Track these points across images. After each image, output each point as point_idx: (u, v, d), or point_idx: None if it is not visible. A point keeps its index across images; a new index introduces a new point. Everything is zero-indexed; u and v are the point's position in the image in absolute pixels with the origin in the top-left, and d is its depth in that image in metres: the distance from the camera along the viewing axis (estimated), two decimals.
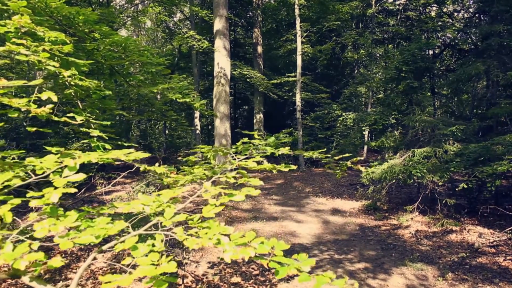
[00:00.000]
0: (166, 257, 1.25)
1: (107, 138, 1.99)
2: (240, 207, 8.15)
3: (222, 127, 12.57)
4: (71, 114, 1.95)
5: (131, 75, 4.90)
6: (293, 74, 15.24)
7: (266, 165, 2.19)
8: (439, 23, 17.32)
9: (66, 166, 1.41)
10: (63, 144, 15.07)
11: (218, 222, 1.55)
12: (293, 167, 2.44)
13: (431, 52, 16.02)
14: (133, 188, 10.59)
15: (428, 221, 6.58)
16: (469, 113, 11.28)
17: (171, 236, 1.44)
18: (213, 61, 12.89)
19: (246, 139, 2.69)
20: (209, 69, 20.42)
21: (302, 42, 14.69)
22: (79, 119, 1.89)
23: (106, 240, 1.88)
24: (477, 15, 12.12)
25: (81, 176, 1.40)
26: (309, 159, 14.33)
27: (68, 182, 1.44)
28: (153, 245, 1.34)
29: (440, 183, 6.38)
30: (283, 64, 19.73)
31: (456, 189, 5.79)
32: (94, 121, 2.08)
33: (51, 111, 1.68)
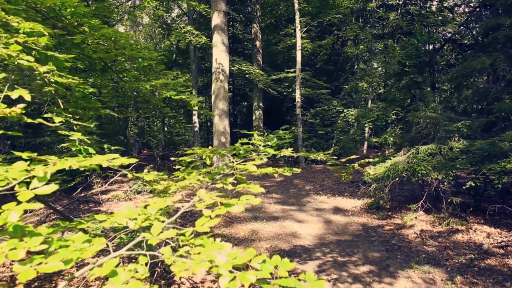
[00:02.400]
0: (151, 285, 1.06)
1: (89, 141, 1.78)
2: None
3: (221, 124, 12.35)
4: (49, 115, 1.74)
5: (124, 71, 4.68)
6: (293, 69, 15.01)
7: (268, 169, 1.98)
8: (439, 17, 17.08)
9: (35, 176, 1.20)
10: (60, 143, 14.87)
11: (214, 238, 1.35)
12: (297, 170, 2.25)
13: (431, 47, 15.81)
14: (130, 187, 10.40)
15: (433, 220, 6.40)
16: (470, 109, 11.10)
17: (157, 257, 1.24)
18: (211, 57, 12.65)
19: (245, 140, 2.48)
20: (207, 65, 20.16)
21: (302, 37, 14.45)
22: (58, 120, 1.69)
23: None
24: (478, 9, 11.89)
25: (52, 188, 1.19)
26: None
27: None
28: (136, 271, 1.14)
29: (445, 181, 6.19)
30: (283, 60, 19.48)
31: (464, 187, 5.60)
32: (76, 122, 1.87)
33: (23, 111, 1.47)
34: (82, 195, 9.31)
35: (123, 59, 3.72)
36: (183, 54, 19.44)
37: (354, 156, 2.54)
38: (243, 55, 19.78)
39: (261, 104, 16.86)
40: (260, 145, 2.33)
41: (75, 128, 1.93)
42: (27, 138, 10.59)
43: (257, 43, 16.96)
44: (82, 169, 1.67)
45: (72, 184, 9.53)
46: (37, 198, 5.56)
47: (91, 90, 2.15)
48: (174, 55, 19.55)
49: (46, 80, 1.98)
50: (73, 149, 1.76)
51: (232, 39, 20.24)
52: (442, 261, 4.61)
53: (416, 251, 5.06)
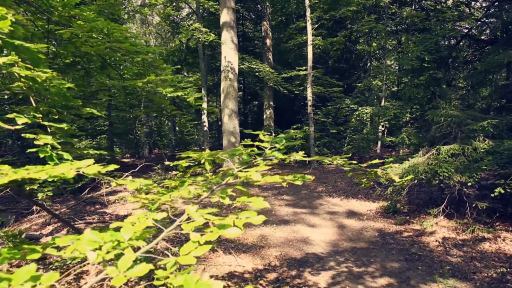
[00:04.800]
0: None
1: (59, 146, 1.49)
2: (249, 210, 7.63)
3: (230, 123, 12.06)
4: (14, 115, 1.46)
5: (125, 68, 4.41)
6: (304, 67, 14.62)
7: (274, 177, 1.65)
8: (456, 12, 16.39)
9: None
10: (68, 144, 14.81)
11: (218, 246, 1.03)
12: (310, 178, 1.91)
13: (446, 43, 15.18)
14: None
15: (455, 226, 5.96)
16: (486, 107, 10.54)
17: None
18: (221, 56, 12.37)
19: (248, 141, 2.16)
20: (217, 64, 19.89)
21: (313, 35, 14.04)
22: (21, 121, 1.40)
23: None
24: (496, 3, 11.28)
25: None
26: (322, 155, 13.72)
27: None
28: None
29: (469, 184, 5.74)
30: (294, 59, 19.08)
31: (492, 195, 5.15)
32: (49, 123, 1.58)
33: None
34: (89, 196, 9.15)
35: (120, 54, 3.44)
36: (193, 53, 19.24)
37: (376, 161, 2.19)
38: (254, 54, 19.46)
39: (271, 103, 16.52)
40: (266, 147, 2.00)
41: (49, 130, 1.64)
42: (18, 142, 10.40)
43: (268, 41, 16.62)
44: (50, 179, 1.38)
45: (79, 185, 9.39)
46: (35, 203, 5.36)
47: (68, 85, 1.86)
48: (184, 54, 19.36)
49: (16, 74, 1.70)
50: (41, 155, 1.47)
51: (242, 38, 19.94)
52: (469, 274, 4.20)
53: (439, 261, 4.65)
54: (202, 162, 2.12)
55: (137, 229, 1.20)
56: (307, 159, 1.99)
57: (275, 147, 2.02)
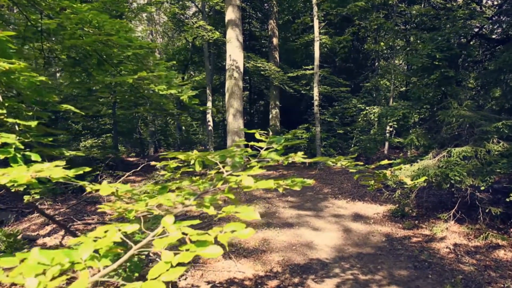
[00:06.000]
0: None
1: (22, 146, 1.31)
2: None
3: (235, 123, 11.87)
4: None
5: (121, 65, 4.23)
6: (310, 66, 14.37)
7: (268, 183, 1.45)
8: (466, 11, 15.96)
9: None
10: (73, 142, 14.76)
11: (199, 277, 0.83)
12: (310, 182, 1.71)
13: (456, 41, 14.79)
14: (140, 187, 10.01)
15: (467, 232, 5.69)
16: (497, 108, 10.20)
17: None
18: (226, 54, 12.19)
19: (241, 140, 1.96)
20: (224, 64, 19.73)
21: (320, 33, 13.79)
22: None
23: None
24: (508, 0, 10.90)
25: None
26: (328, 155, 13.46)
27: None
28: None
29: (482, 188, 5.46)
30: (301, 58, 18.82)
31: (508, 199, 4.87)
32: (12, 120, 1.40)
33: None
34: (90, 195, 9.03)
35: (116, 50, 3.27)
36: (199, 52, 19.13)
37: (385, 162, 1.98)
38: (260, 53, 19.24)
39: (277, 103, 16.30)
40: (262, 148, 1.80)
41: (17, 128, 1.46)
42: (36, 137, 10.38)
43: (274, 40, 16.40)
44: (9, 184, 1.19)
45: (80, 184, 9.28)
46: (30, 205, 5.21)
47: (40, 78, 1.68)
48: (190, 53, 19.24)
49: None
50: (1, 156, 1.29)
51: (248, 37, 19.75)
52: (484, 285, 3.94)
53: (450, 270, 4.39)
54: (192, 164, 1.93)
55: (101, 246, 1.00)
56: (307, 160, 1.79)
57: (272, 147, 1.81)
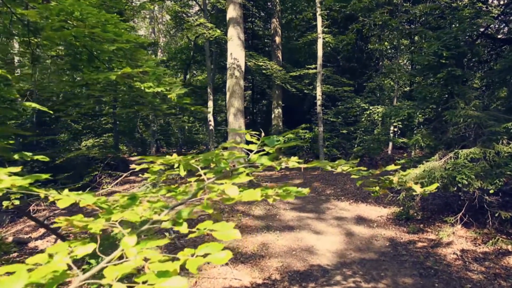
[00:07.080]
0: None
1: None
2: (252, 213, 7.25)
3: (236, 123, 11.66)
4: None
5: (112, 62, 4.05)
6: (313, 66, 14.14)
7: (255, 192, 1.25)
8: (472, 10, 15.66)
9: None
10: (73, 141, 14.65)
11: (193, 285, 0.65)
12: (305, 192, 1.50)
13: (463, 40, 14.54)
14: (139, 188, 9.88)
15: (475, 236, 5.46)
16: (503, 108, 9.95)
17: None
18: (227, 53, 12.00)
19: (230, 142, 1.77)
20: (226, 63, 19.57)
21: (323, 32, 13.56)
22: None
23: None
24: None
25: None
26: (331, 156, 13.22)
27: None
28: None
29: (491, 191, 5.23)
30: (304, 58, 18.60)
31: None
32: None
33: None
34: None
35: (107, 45, 3.08)
36: (201, 51, 18.97)
37: (392, 167, 1.78)
38: (263, 52, 19.04)
39: (280, 102, 16.10)
40: (252, 150, 1.61)
41: None
42: (37, 137, 10.28)
43: (277, 39, 16.20)
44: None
45: (79, 184, 9.14)
46: (18, 208, 5.05)
47: None
48: (192, 52, 19.09)
49: None
50: None
51: (251, 36, 19.55)
52: None
53: (458, 278, 4.17)
54: (176, 167, 1.74)
55: (37, 278, 0.81)
56: (301, 165, 1.58)
57: (263, 150, 1.61)
